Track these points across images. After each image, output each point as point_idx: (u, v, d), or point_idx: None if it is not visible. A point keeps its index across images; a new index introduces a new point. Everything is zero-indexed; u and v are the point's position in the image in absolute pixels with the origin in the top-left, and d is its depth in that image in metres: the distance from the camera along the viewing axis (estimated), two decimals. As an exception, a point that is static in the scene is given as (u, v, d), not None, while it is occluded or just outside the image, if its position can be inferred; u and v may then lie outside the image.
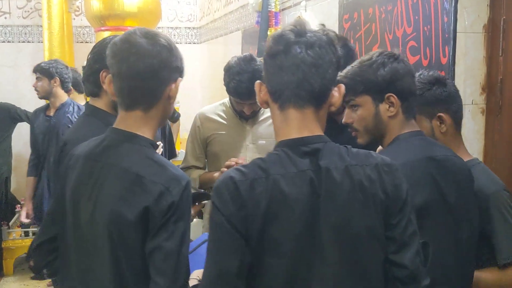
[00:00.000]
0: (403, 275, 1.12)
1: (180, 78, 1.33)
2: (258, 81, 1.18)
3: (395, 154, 1.33)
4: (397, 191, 1.13)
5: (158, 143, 2.19)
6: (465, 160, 1.56)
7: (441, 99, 1.56)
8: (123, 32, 1.32)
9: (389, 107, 1.40)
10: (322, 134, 1.15)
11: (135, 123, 1.27)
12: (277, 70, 1.12)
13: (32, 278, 4.21)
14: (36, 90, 3.62)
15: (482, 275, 1.47)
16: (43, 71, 3.55)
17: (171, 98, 1.31)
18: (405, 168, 1.28)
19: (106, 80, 1.32)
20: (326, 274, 1.08)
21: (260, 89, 1.17)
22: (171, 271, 1.16)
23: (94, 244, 1.24)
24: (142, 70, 1.23)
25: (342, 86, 1.17)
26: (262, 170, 1.08)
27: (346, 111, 1.49)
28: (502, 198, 1.47)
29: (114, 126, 1.31)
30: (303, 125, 1.12)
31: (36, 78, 3.59)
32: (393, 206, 1.12)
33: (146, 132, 1.28)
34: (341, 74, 1.45)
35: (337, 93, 1.16)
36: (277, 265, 1.06)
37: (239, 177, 1.07)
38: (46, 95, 3.64)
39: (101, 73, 1.66)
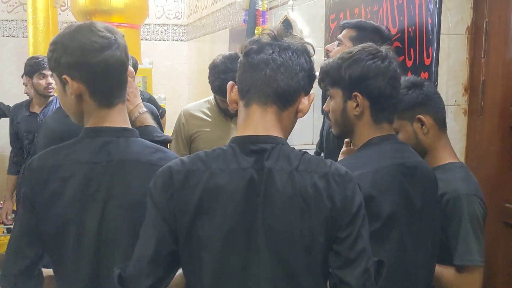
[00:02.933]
0: None
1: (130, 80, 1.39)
2: (231, 82, 1.19)
3: (366, 159, 1.34)
4: (346, 203, 1.08)
5: None
6: (448, 161, 1.58)
7: (418, 102, 1.57)
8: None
9: (355, 106, 1.37)
10: (279, 135, 1.12)
11: (119, 117, 1.29)
12: (247, 68, 1.14)
13: None
14: (52, 88, 3.42)
15: (444, 271, 1.49)
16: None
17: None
18: (376, 175, 1.29)
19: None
20: (260, 276, 1.06)
21: (232, 89, 1.19)
22: None
23: (110, 243, 1.21)
24: (116, 66, 1.27)
25: (312, 95, 1.18)
26: (202, 162, 1.08)
27: (327, 99, 1.48)
28: (472, 203, 1.48)
29: (91, 125, 1.27)
30: (261, 123, 1.12)
31: (51, 75, 3.34)
32: (340, 219, 1.07)
33: (128, 123, 1.31)
34: (326, 61, 1.46)
35: (306, 101, 1.16)
36: (207, 260, 1.06)
37: (177, 167, 1.08)
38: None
39: None
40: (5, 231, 4.35)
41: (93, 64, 1.23)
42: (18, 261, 1.24)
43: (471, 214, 1.47)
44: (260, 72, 1.12)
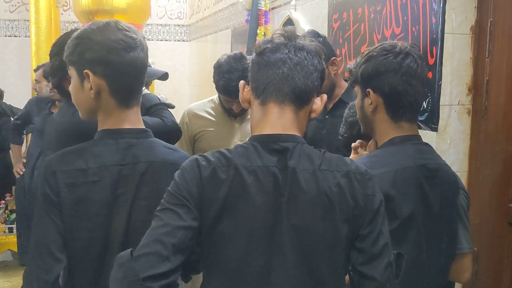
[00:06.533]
0: (372, 287, 1.10)
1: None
2: (242, 81, 1.20)
3: (388, 158, 1.33)
4: (368, 201, 1.10)
5: None
6: None
7: None
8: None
9: (370, 103, 1.37)
10: (297, 134, 1.13)
11: (136, 118, 1.31)
12: (263, 66, 1.14)
13: None
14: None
15: None
16: None
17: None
18: (396, 175, 1.29)
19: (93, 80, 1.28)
20: (282, 275, 1.06)
21: (244, 88, 1.19)
22: None
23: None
24: (140, 67, 1.29)
25: (325, 96, 1.19)
26: (226, 159, 1.08)
27: None
28: (460, 198, 1.49)
29: (111, 127, 1.27)
30: (279, 122, 1.12)
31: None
32: (363, 217, 1.09)
33: (143, 124, 1.33)
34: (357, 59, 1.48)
35: (319, 101, 1.17)
36: (229, 258, 1.06)
37: (204, 162, 1.08)
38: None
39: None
40: (7, 230, 4.36)
41: (119, 62, 1.24)
42: (52, 267, 1.18)
43: (458, 205, 1.50)
44: (277, 70, 1.12)
